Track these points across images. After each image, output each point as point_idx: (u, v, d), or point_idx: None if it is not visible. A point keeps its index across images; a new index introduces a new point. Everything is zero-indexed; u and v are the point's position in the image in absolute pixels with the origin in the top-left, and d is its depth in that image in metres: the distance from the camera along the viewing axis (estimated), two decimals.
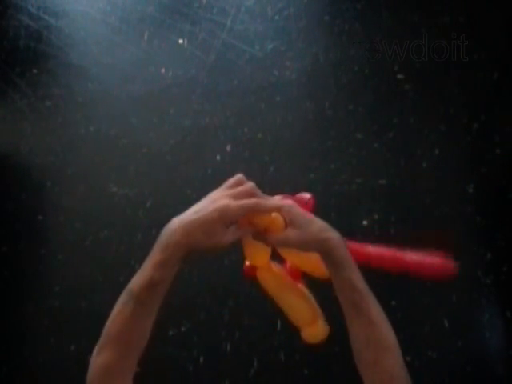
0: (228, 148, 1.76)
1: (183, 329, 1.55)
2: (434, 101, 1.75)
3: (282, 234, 0.75)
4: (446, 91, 1.76)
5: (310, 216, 0.77)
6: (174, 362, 1.53)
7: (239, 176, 0.77)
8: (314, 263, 0.82)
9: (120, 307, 0.73)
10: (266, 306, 1.64)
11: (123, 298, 0.73)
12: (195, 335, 1.56)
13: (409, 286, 1.56)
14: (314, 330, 0.84)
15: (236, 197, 0.73)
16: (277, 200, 0.80)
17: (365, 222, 1.60)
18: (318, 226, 0.76)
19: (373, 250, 0.86)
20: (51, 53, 1.98)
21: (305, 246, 0.76)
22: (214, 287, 1.53)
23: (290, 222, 0.75)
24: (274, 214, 0.76)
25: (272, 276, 0.84)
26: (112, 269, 1.65)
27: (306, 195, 0.87)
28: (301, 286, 0.87)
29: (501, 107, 1.73)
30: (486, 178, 1.64)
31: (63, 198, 1.79)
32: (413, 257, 0.85)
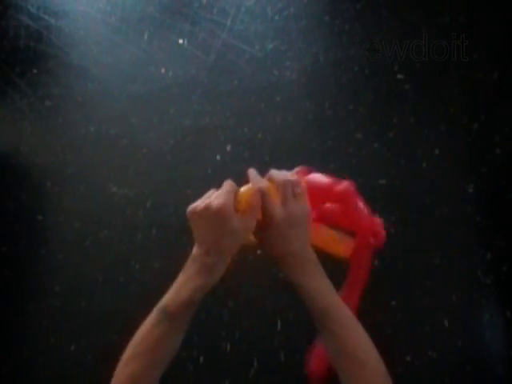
0: (228, 148, 1.76)
1: None
2: (434, 101, 1.75)
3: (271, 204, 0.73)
4: (446, 91, 1.76)
5: (277, 220, 0.72)
6: (174, 362, 1.53)
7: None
8: (332, 242, 0.82)
9: (152, 323, 0.73)
10: (266, 306, 1.65)
11: (157, 315, 0.73)
12: (195, 335, 1.56)
13: (409, 286, 1.56)
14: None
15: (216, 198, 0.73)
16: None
17: None
18: (296, 222, 0.73)
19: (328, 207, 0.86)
20: (51, 53, 1.98)
21: (263, 247, 0.75)
22: (213, 287, 1.53)
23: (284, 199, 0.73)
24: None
25: None
26: (112, 269, 1.65)
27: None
28: None
29: (501, 107, 1.73)
30: (485, 178, 1.64)
31: (63, 197, 1.79)
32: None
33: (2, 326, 1.66)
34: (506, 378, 1.44)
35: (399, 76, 1.79)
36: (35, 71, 1.97)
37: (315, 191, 0.83)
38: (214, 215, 0.71)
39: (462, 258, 1.57)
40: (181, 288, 0.73)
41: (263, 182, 0.75)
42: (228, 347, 1.54)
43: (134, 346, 0.73)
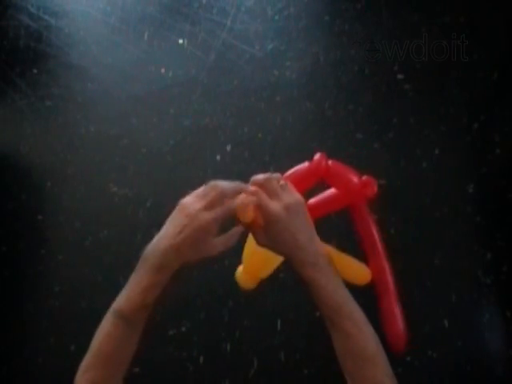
0: (228, 148, 1.76)
1: (183, 329, 1.55)
2: (434, 101, 1.75)
3: (256, 232, 0.72)
4: (446, 91, 1.76)
5: (275, 213, 0.71)
6: (174, 362, 1.53)
7: (210, 184, 0.75)
8: (353, 269, 0.82)
9: (109, 328, 0.72)
10: (266, 306, 1.65)
11: (111, 319, 0.72)
12: (195, 335, 1.55)
13: (409, 285, 1.56)
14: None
15: (210, 207, 0.71)
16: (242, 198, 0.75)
17: None
18: (288, 230, 0.71)
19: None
20: (51, 53, 1.98)
21: (273, 249, 0.73)
22: (213, 287, 1.53)
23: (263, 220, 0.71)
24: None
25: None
26: (112, 269, 1.65)
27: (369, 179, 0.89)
28: None
29: (501, 107, 1.73)
30: (485, 178, 1.64)
31: (63, 198, 1.79)
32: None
33: (2, 326, 1.66)
34: (506, 378, 1.44)
35: (399, 76, 1.79)
36: (35, 71, 1.97)
37: (297, 182, 0.83)
38: (195, 228, 0.70)
39: (462, 258, 1.57)
40: (132, 289, 0.72)
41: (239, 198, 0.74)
42: (228, 347, 1.54)
43: (93, 354, 0.72)
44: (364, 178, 0.90)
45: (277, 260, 0.85)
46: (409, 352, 1.44)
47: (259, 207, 0.71)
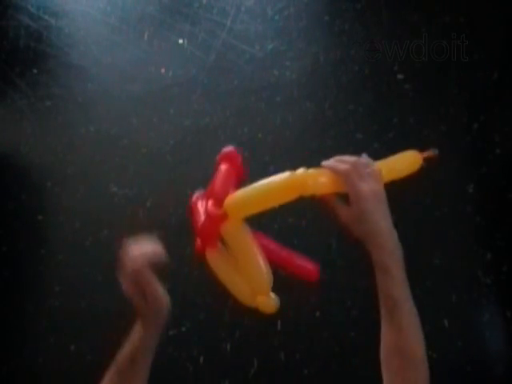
0: None
1: (183, 329, 1.55)
2: (434, 101, 1.75)
3: (340, 208, 0.74)
4: (446, 91, 1.76)
5: (365, 194, 0.73)
6: (174, 362, 1.53)
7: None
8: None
9: (110, 377, 0.77)
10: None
11: (113, 373, 0.78)
12: (195, 335, 1.55)
13: (409, 285, 1.56)
14: (269, 299, 0.83)
15: None
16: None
17: None
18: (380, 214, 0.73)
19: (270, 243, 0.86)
20: (51, 53, 1.98)
21: (354, 229, 0.74)
22: (213, 287, 1.53)
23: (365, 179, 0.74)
24: None
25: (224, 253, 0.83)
26: (112, 269, 1.65)
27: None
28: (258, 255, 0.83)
29: (501, 107, 1.73)
30: (485, 178, 1.64)
31: (63, 198, 1.79)
32: (287, 255, 0.86)
33: (2, 326, 1.66)
34: (506, 378, 1.44)
35: (399, 76, 1.79)
36: (35, 71, 1.97)
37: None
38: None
39: (462, 258, 1.57)
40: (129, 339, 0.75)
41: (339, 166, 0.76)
42: (228, 347, 1.54)
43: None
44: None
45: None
46: None
47: (349, 185, 0.73)
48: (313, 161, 1.81)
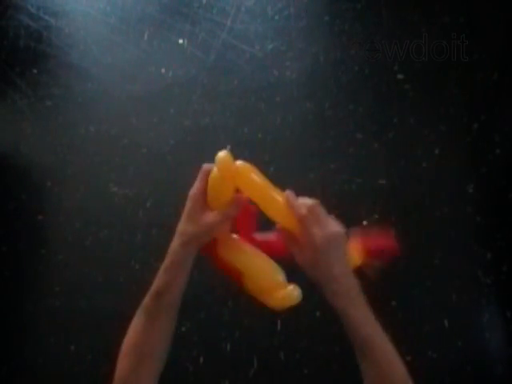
0: (228, 148, 1.76)
1: (183, 329, 1.55)
2: (434, 101, 1.75)
3: (296, 252, 0.74)
4: (446, 91, 1.76)
5: (318, 243, 0.72)
6: (173, 362, 1.53)
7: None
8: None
9: (134, 320, 0.75)
10: (266, 306, 1.64)
11: (138, 311, 0.75)
12: (195, 335, 1.55)
13: (409, 286, 1.56)
14: (286, 292, 0.78)
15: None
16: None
17: (365, 222, 1.60)
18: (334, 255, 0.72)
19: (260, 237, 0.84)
20: (51, 53, 1.98)
21: (307, 273, 0.74)
22: (214, 287, 1.53)
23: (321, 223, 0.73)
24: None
25: (234, 244, 0.81)
26: (112, 269, 1.65)
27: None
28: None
29: (501, 107, 1.73)
30: (485, 178, 1.64)
31: (63, 198, 1.79)
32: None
33: (2, 326, 1.66)
34: (506, 378, 1.44)
35: (399, 76, 1.79)
36: (35, 71, 1.97)
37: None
38: (186, 202, 0.76)
39: (462, 258, 1.57)
40: (156, 279, 0.75)
41: (303, 208, 0.74)
42: (228, 347, 1.54)
43: (123, 346, 0.74)
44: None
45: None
46: (409, 352, 1.44)
47: (303, 230, 0.72)
48: (313, 161, 1.81)
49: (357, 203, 1.64)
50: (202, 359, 1.53)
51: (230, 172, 0.72)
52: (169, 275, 0.73)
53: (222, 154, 0.73)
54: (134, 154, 1.81)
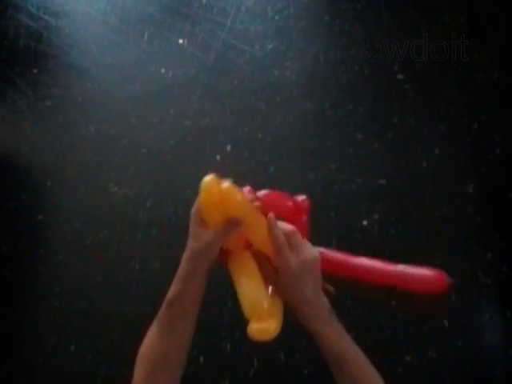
0: (228, 148, 1.76)
1: None
2: (434, 101, 1.75)
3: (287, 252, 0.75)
4: (446, 91, 1.76)
5: (291, 270, 0.74)
6: None
7: None
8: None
9: (149, 329, 0.76)
10: None
11: (154, 321, 0.77)
12: (195, 335, 1.55)
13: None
14: (261, 326, 0.80)
15: None
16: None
17: (365, 222, 1.59)
18: (308, 283, 0.74)
19: (363, 262, 0.85)
20: (51, 53, 1.98)
21: (281, 296, 0.76)
22: (213, 287, 1.53)
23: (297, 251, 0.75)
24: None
25: (243, 261, 0.82)
26: (112, 269, 1.65)
27: (302, 196, 0.87)
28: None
29: (501, 107, 1.73)
30: (486, 178, 1.64)
31: (63, 198, 1.79)
32: (403, 270, 0.84)
33: (2, 326, 1.66)
34: (506, 378, 1.44)
35: (399, 76, 1.79)
36: (35, 71, 1.97)
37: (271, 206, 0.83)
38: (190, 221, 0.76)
39: (462, 258, 1.57)
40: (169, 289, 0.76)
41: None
42: (228, 347, 1.54)
43: (138, 355, 0.76)
44: (298, 198, 0.90)
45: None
46: (409, 352, 1.44)
47: (278, 256, 0.74)
48: (313, 161, 1.81)
49: (357, 203, 1.64)
50: (201, 359, 1.53)
51: (214, 197, 0.73)
52: (179, 285, 0.75)
53: (206, 180, 0.74)
54: (134, 154, 1.81)
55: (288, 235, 0.75)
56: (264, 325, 0.79)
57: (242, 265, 0.82)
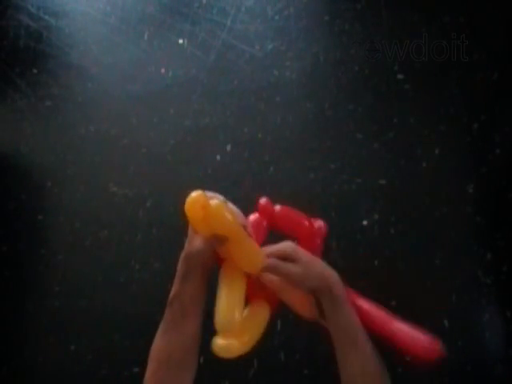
0: (228, 148, 1.76)
1: None
2: (434, 101, 1.75)
3: (285, 267, 0.78)
4: (446, 91, 1.76)
5: (312, 256, 0.81)
6: None
7: None
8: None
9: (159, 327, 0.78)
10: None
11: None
12: None
13: (409, 285, 1.56)
14: (227, 344, 0.79)
15: None
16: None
17: (365, 222, 1.60)
18: (321, 264, 0.81)
19: (364, 304, 0.86)
20: (51, 53, 1.98)
21: (306, 281, 0.79)
22: (214, 287, 1.53)
23: (294, 259, 0.78)
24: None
25: (231, 272, 0.82)
26: (112, 269, 1.65)
27: (320, 222, 0.89)
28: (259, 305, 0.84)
29: (501, 107, 1.73)
30: (486, 178, 1.64)
31: (63, 197, 1.79)
32: (400, 327, 0.85)
33: (3, 326, 1.66)
34: (506, 378, 1.44)
35: (399, 76, 1.79)
36: (35, 71, 1.97)
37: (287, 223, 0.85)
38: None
39: (462, 258, 1.57)
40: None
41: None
42: None
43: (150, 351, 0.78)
44: (314, 221, 0.90)
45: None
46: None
47: (281, 275, 0.78)
48: (313, 161, 1.81)
49: (357, 203, 1.64)
50: (201, 359, 1.53)
51: (197, 214, 0.73)
52: (177, 285, 0.77)
53: (190, 198, 0.74)
54: (133, 154, 1.81)
55: (275, 253, 0.78)
56: (227, 343, 0.78)
57: (230, 276, 0.81)
